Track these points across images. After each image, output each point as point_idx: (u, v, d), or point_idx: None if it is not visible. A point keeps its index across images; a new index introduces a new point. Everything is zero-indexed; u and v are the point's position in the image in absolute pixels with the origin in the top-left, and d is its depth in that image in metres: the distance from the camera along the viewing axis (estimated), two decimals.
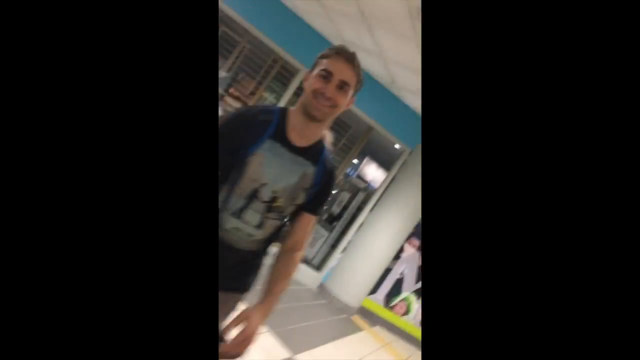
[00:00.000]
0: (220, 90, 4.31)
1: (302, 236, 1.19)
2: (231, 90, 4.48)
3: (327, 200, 1.20)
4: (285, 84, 4.53)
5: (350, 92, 1.06)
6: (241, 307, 1.16)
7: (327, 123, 1.11)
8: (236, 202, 1.08)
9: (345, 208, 4.92)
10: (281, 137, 1.08)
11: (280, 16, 3.83)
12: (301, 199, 1.13)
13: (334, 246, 4.75)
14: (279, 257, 1.19)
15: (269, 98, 4.47)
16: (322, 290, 4.40)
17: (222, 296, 1.15)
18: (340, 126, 4.66)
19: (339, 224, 4.85)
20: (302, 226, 1.18)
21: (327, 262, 4.57)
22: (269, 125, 1.07)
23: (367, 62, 3.69)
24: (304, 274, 4.38)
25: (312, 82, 1.04)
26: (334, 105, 1.03)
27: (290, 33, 3.88)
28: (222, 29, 4.27)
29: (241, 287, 1.22)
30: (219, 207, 1.09)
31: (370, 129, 4.46)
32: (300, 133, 1.08)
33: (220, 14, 4.21)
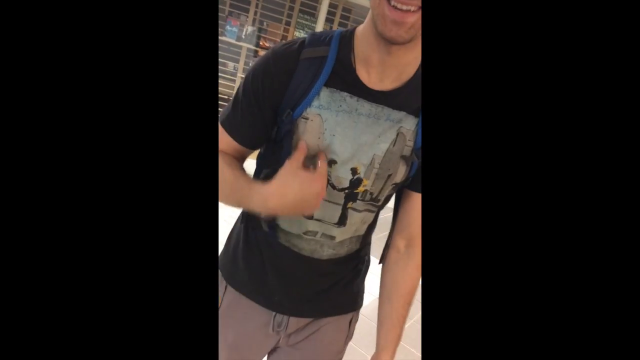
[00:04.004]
0: (252, 46, 4.11)
1: (418, 226, 0.75)
2: (261, 43, 4.25)
3: None
4: (313, 15, 4.18)
5: None
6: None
7: (419, 43, 0.60)
8: None
9: None
10: (348, 80, 0.65)
11: None
12: (402, 173, 0.70)
13: None
14: (389, 269, 0.80)
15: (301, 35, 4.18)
16: None
17: (319, 323, 0.82)
18: None
19: None
20: (417, 212, 0.74)
21: None
22: (323, 65, 0.65)
23: None
24: None
25: None
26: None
27: None
28: None
29: (346, 305, 0.85)
30: None
31: None
32: (380, 69, 0.64)
33: None
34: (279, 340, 0.84)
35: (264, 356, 0.88)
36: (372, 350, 0.81)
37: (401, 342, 0.78)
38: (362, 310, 0.90)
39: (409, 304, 0.78)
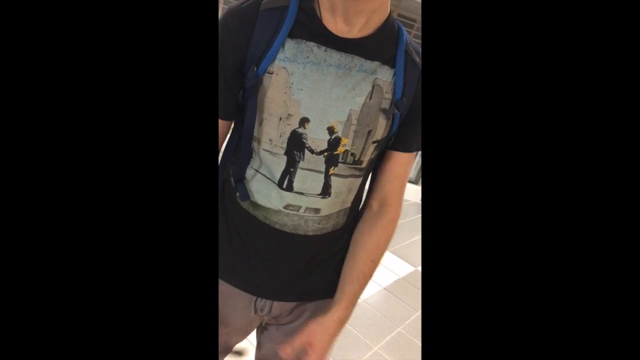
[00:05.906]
0: None
1: (396, 188, 0.74)
2: None
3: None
4: None
5: None
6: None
7: None
8: (273, 160, 0.66)
9: None
10: (313, 29, 0.61)
11: None
12: (383, 129, 0.67)
13: None
14: (359, 226, 0.77)
15: None
16: None
17: (305, 306, 0.79)
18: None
19: None
20: (393, 172, 0.73)
21: None
22: (285, 15, 0.60)
23: None
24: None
25: None
26: None
27: None
28: None
29: (333, 289, 0.77)
30: (237, 178, 0.70)
31: None
32: (345, 17, 0.60)
33: None
34: (264, 320, 0.81)
35: (248, 334, 0.86)
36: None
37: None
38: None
39: (372, 261, 0.75)
